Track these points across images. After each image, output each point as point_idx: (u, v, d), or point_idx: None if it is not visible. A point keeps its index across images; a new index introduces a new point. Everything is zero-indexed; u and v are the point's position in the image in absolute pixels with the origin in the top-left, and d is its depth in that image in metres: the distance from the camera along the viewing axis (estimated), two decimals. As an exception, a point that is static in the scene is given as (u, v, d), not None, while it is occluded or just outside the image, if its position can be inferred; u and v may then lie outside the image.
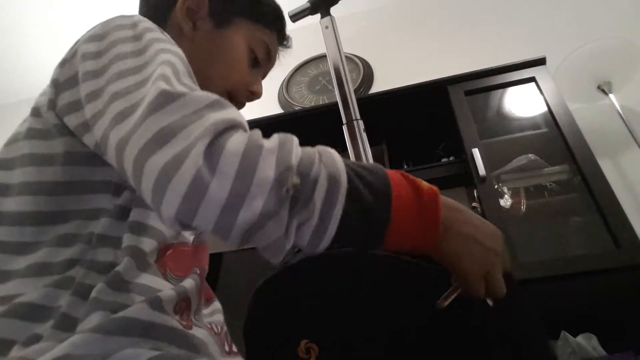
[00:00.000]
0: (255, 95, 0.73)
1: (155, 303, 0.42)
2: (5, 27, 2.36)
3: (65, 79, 0.49)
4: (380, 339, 0.52)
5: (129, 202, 0.48)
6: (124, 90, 0.42)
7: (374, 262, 0.56)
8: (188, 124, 0.37)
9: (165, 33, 0.52)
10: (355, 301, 0.55)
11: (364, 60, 2.29)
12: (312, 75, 2.34)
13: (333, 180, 0.40)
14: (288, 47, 0.81)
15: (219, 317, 0.58)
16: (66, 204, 0.47)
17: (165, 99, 0.38)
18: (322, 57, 2.34)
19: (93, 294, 0.41)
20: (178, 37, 0.65)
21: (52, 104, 0.49)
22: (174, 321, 0.44)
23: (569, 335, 1.13)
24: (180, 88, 0.40)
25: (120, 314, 0.40)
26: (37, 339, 0.39)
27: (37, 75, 2.53)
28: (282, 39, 0.77)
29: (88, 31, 0.52)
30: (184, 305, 0.47)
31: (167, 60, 0.44)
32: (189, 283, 0.50)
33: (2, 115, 2.67)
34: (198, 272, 0.54)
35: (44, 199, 0.47)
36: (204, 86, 0.64)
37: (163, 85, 0.39)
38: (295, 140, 0.41)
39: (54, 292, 0.42)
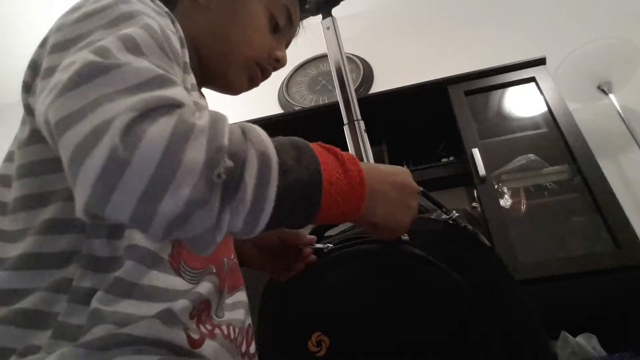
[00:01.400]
0: (280, 62, 0.68)
1: (167, 317, 0.40)
2: (5, 27, 2.36)
3: (36, 59, 0.46)
4: (392, 331, 0.52)
5: None
6: (57, 64, 0.38)
7: (383, 257, 0.57)
8: (113, 99, 0.32)
9: (157, 3, 0.48)
10: (367, 295, 0.55)
11: (364, 60, 2.29)
12: (312, 76, 2.34)
13: (264, 158, 0.36)
14: (307, 12, 0.75)
15: (240, 314, 0.53)
16: (50, 184, 0.44)
17: (90, 71, 0.34)
18: (322, 57, 2.34)
19: (93, 303, 0.39)
20: (192, 8, 0.63)
21: (27, 87, 0.47)
22: (183, 335, 0.41)
23: (569, 335, 1.13)
24: (115, 60, 0.35)
25: (125, 330, 0.37)
26: (34, 349, 0.38)
27: (37, 75, 2.53)
28: (303, 2, 0.72)
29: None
30: (202, 308, 0.45)
31: (121, 35, 0.38)
32: (205, 287, 0.47)
33: (2, 115, 2.67)
34: (215, 270, 0.50)
35: (30, 181, 0.44)
36: (227, 55, 0.63)
37: (91, 57, 0.35)
38: (226, 118, 0.37)
39: (50, 296, 0.40)
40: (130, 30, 0.39)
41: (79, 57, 0.35)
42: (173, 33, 0.46)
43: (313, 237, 0.65)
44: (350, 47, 2.26)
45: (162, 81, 0.35)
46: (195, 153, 0.32)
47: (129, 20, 0.41)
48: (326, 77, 2.29)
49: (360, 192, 0.45)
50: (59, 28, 0.44)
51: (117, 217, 0.32)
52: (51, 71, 0.39)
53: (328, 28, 1.02)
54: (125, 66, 0.35)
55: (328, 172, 0.42)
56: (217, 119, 0.36)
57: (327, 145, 0.46)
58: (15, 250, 0.42)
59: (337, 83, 1.05)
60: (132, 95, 0.33)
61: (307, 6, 0.74)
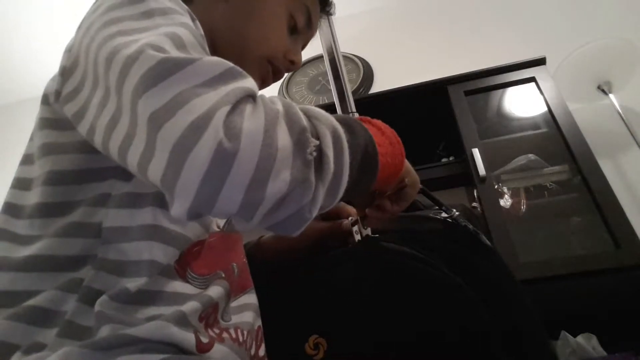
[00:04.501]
0: (294, 65, 0.67)
1: (177, 318, 0.39)
2: (6, 26, 2.36)
3: (70, 64, 0.45)
4: (391, 333, 0.52)
5: (139, 188, 0.44)
6: (111, 56, 0.37)
7: (381, 258, 0.57)
8: (199, 94, 0.32)
9: (178, 1, 0.47)
10: (364, 296, 0.55)
11: (364, 60, 2.29)
12: (312, 76, 2.34)
13: (334, 132, 0.39)
14: (330, 15, 0.75)
15: (249, 317, 0.52)
16: (75, 193, 0.44)
17: (165, 68, 0.33)
18: (321, 58, 2.34)
19: (97, 306, 0.38)
20: (212, 1, 0.62)
21: (57, 94, 0.45)
22: (192, 337, 0.40)
23: (569, 335, 1.13)
24: (182, 55, 0.35)
25: (130, 331, 0.37)
26: (39, 347, 0.37)
27: (37, 75, 2.53)
28: (324, 4, 0.71)
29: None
30: (210, 311, 0.45)
31: (168, 32, 0.38)
32: (215, 291, 0.46)
33: (2, 115, 2.67)
34: (223, 275, 0.50)
35: (52, 189, 0.44)
36: (242, 51, 0.62)
37: (157, 54, 0.34)
38: (293, 103, 0.39)
39: (60, 295, 0.40)
40: (171, 29, 0.39)
41: (141, 55, 0.34)
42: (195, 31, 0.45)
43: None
44: (350, 47, 2.27)
45: (235, 73, 0.36)
46: (286, 135, 0.34)
47: (163, 16, 0.41)
48: (326, 77, 2.29)
49: (399, 150, 0.52)
50: (89, 26, 0.43)
51: (225, 210, 0.32)
52: (98, 76, 0.39)
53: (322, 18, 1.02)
54: (198, 61, 0.34)
55: (374, 136, 0.46)
56: (289, 104, 0.38)
57: (362, 117, 0.51)
58: (25, 251, 0.42)
59: (331, 75, 1.05)
60: (214, 89, 0.33)
61: (327, 8, 0.72)
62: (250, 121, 0.32)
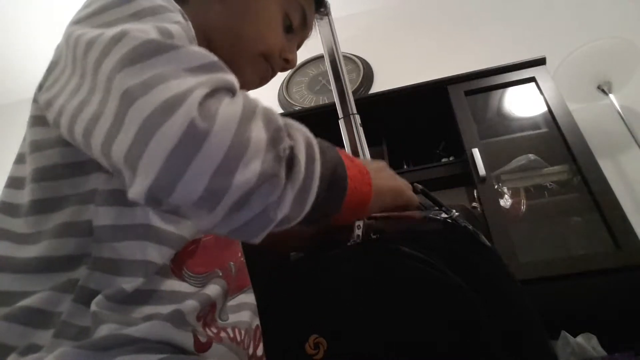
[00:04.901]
0: (289, 64, 0.68)
1: (176, 318, 0.39)
2: (5, 26, 2.36)
3: (56, 59, 0.45)
4: (391, 333, 0.52)
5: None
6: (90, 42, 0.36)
7: (381, 258, 0.57)
8: (178, 77, 0.32)
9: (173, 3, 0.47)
10: (365, 295, 0.55)
11: (364, 60, 2.29)
12: (312, 76, 2.34)
13: (308, 140, 0.39)
14: (325, 15, 0.74)
15: (246, 316, 0.52)
16: (62, 188, 0.43)
17: (149, 49, 0.33)
18: (321, 58, 2.34)
19: (93, 306, 0.38)
20: (205, 1, 0.62)
21: (40, 88, 0.46)
22: (190, 337, 0.40)
23: (569, 335, 1.13)
24: (170, 41, 0.35)
25: (127, 331, 0.37)
26: (36, 348, 0.37)
27: (37, 75, 2.52)
28: (319, 4, 0.71)
29: None
30: (208, 310, 0.45)
31: (156, 25, 0.38)
32: (213, 290, 0.46)
33: (2, 115, 2.67)
34: (221, 274, 0.50)
35: (41, 185, 0.44)
36: (238, 50, 0.62)
37: (146, 36, 0.34)
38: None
39: (55, 296, 0.40)
40: (160, 23, 0.39)
41: (125, 37, 0.34)
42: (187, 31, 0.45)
43: None
44: (350, 47, 2.27)
45: (219, 66, 0.36)
46: (261, 130, 0.33)
47: (153, 15, 0.41)
48: (326, 77, 2.29)
49: (369, 178, 0.50)
50: (78, 21, 0.42)
51: (186, 196, 0.30)
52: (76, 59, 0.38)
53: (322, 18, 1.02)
54: (184, 48, 0.34)
55: (345, 160, 0.46)
56: (269, 107, 0.37)
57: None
58: (26, 252, 0.42)
59: (332, 76, 1.04)
60: (195, 75, 0.32)
61: (322, 9, 0.72)
62: (227, 107, 0.32)
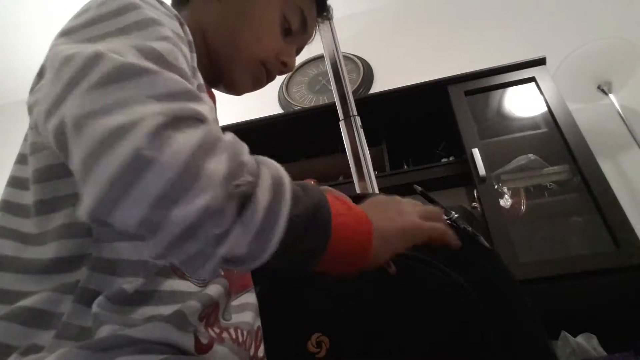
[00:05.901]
0: (287, 67, 0.66)
1: (177, 318, 0.39)
2: (5, 26, 2.36)
3: (43, 63, 0.45)
4: (392, 332, 0.52)
5: None
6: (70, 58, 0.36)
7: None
8: (143, 103, 0.31)
9: (166, 5, 0.46)
10: (367, 295, 0.55)
11: (364, 60, 2.29)
12: (312, 76, 2.34)
13: (277, 179, 0.36)
14: (328, 19, 0.72)
15: (248, 316, 0.52)
16: (59, 188, 0.44)
17: (122, 72, 0.33)
18: (321, 58, 2.34)
19: (94, 307, 0.38)
20: (206, 1, 0.62)
21: (30, 92, 0.47)
22: (191, 338, 0.40)
23: (569, 335, 1.13)
24: (146, 65, 0.34)
25: (128, 331, 0.37)
26: (37, 349, 0.37)
27: (37, 75, 2.52)
28: (321, 8, 0.69)
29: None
30: (210, 310, 0.45)
31: (138, 44, 0.37)
32: (215, 290, 0.46)
33: (2, 115, 2.67)
34: (222, 272, 0.50)
35: (41, 186, 0.44)
36: (234, 51, 0.62)
37: (122, 59, 0.34)
38: (244, 144, 0.37)
39: (56, 296, 0.40)
40: (144, 43, 0.38)
41: (102, 58, 0.34)
42: (182, 38, 0.45)
43: None
44: (350, 47, 2.27)
45: (191, 96, 0.35)
46: (218, 165, 0.32)
47: (141, 30, 0.40)
48: (326, 77, 2.29)
49: (367, 228, 0.44)
50: (65, 32, 0.42)
51: (125, 220, 0.30)
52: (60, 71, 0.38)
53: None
54: (158, 74, 0.34)
55: (333, 204, 0.41)
56: (237, 140, 0.36)
57: (332, 194, 0.46)
58: (32, 253, 0.43)
59: (332, 78, 1.05)
60: (160, 103, 0.32)
61: (325, 13, 0.70)
62: (182, 137, 0.31)
